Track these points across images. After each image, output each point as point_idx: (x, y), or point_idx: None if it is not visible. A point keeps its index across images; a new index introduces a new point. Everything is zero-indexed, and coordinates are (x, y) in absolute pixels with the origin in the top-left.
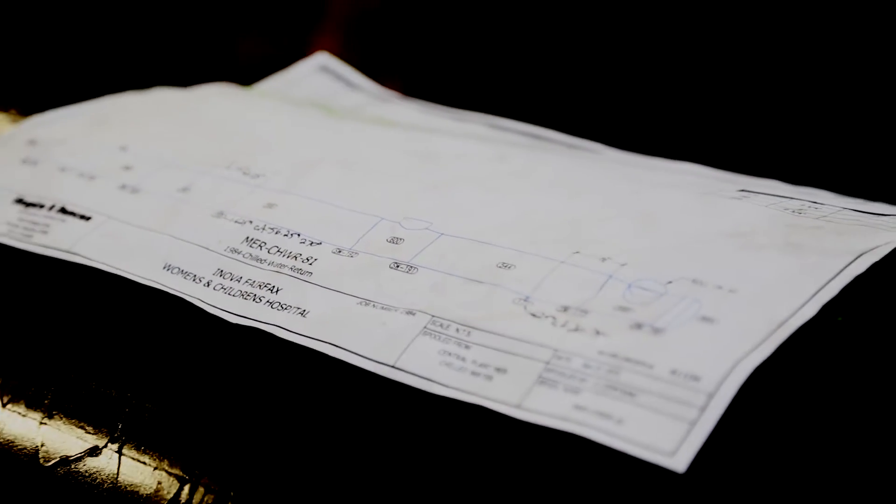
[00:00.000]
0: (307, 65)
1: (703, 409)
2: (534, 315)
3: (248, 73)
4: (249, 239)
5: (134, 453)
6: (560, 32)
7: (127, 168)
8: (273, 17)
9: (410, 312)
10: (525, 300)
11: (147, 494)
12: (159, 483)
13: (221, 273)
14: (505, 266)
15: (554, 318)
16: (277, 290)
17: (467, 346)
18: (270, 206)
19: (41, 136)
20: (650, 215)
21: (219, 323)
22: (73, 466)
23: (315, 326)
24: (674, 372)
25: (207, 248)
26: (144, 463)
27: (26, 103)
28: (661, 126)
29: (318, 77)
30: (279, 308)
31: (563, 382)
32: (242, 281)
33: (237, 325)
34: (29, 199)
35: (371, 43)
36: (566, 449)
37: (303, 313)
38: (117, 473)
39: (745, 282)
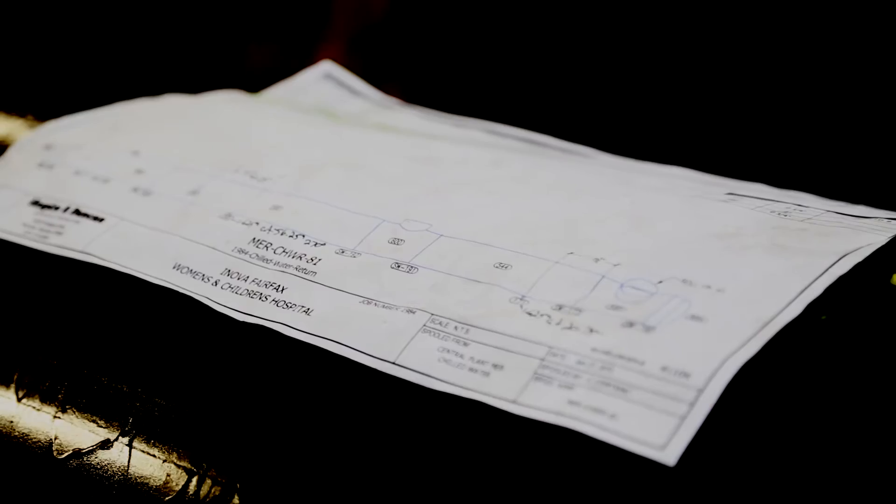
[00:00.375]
0: (312, 73)
1: (692, 404)
2: (529, 314)
3: (255, 80)
4: (256, 240)
5: (144, 446)
6: (555, 43)
7: (139, 171)
8: (280, 28)
9: (411, 311)
10: (521, 299)
11: (156, 486)
12: (168, 475)
13: (229, 273)
14: (502, 266)
15: (549, 316)
16: (283, 290)
17: (465, 344)
18: (276, 208)
19: (57, 141)
20: (642, 217)
21: (226, 321)
22: (85, 459)
23: (319, 324)
24: (664, 368)
25: (215, 249)
26: (154, 456)
27: (43, 109)
28: (653, 132)
29: (323, 85)
30: (284, 306)
31: (558, 379)
32: (249, 280)
33: (244, 322)
34: (45, 202)
35: (374, 52)
36: (561, 443)
37: (307, 311)
38: (128, 466)
39: (733, 282)
